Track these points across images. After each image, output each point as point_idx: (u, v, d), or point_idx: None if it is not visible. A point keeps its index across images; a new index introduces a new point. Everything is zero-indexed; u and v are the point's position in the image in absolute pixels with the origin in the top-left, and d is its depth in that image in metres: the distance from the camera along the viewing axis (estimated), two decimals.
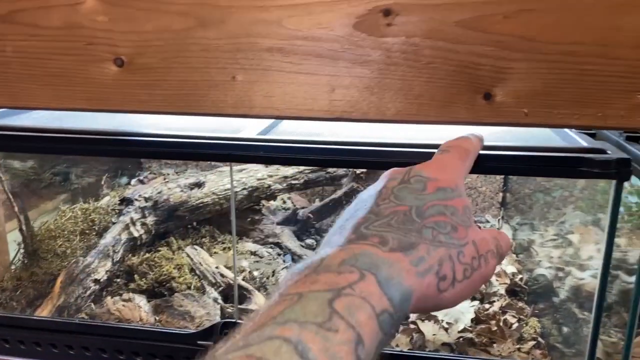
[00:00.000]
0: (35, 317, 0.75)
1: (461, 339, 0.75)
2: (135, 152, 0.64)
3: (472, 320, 0.79)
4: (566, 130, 0.65)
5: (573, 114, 0.49)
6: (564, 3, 0.46)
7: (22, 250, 0.93)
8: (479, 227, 0.40)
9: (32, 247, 0.93)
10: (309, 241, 1.06)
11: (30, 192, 1.10)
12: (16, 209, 0.89)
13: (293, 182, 1.10)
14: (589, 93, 0.48)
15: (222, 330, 0.66)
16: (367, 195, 0.40)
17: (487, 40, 0.48)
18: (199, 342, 0.66)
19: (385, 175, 0.42)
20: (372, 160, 0.57)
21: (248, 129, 0.64)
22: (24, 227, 0.92)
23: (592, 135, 0.62)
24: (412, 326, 0.78)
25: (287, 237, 1.05)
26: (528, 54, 0.48)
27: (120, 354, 0.69)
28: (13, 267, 0.93)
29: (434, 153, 0.51)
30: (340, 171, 1.12)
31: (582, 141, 0.59)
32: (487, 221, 1.18)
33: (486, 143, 0.57)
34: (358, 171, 1.12)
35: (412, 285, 0.32)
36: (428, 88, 0.50)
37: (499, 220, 1.17)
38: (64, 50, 0.55)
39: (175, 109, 0.56)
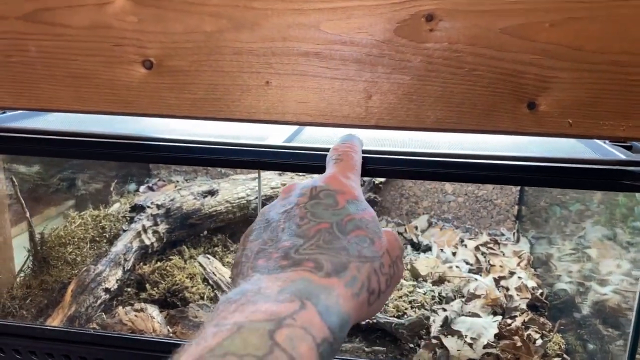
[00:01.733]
0: (49, 327, 0.73)
1: (486, 354, 0.73)
2: (161, 158, 0.62)
3: (495, 335, 0.77)
4: (598, 142, 0.63)
5: (619, 125, 0.48)
6: (612, 12, 0.45)
7: (31, 258, 0.90)
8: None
9: (41, 254, 0.90)
10: None
11: (35, 198, 1.08)
12: (27, 214, 0.86)
13: None
14: (636, 104, 0.47)
15: None
16: (277, 214, 0.40)
17: (533, 49, 0.47)
18: None
19: (289, 191, 0.42)
20: (403, 170, 0.55)
21: (272, 136, 0.62)
22: (34, 233, 0.90)
23: (628, 148, 0.61)
24: (434, 341, 0.76)
25: None
26: (574, 63, 0.47)
27: None
28: (22, 274, 0.90)
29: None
30: None
31: (619, 154, 0.57)
32: (502, 234, 1.16)
33: (522, 154, 0.56)
34: (377, 181, 1.10)
35: (349, 310, 0.33)
36: (470, 96, 0.49)
37: (514, 233, 1.16)
38: (90, 51, 0.54)
39: (205, 114, 0.54)
